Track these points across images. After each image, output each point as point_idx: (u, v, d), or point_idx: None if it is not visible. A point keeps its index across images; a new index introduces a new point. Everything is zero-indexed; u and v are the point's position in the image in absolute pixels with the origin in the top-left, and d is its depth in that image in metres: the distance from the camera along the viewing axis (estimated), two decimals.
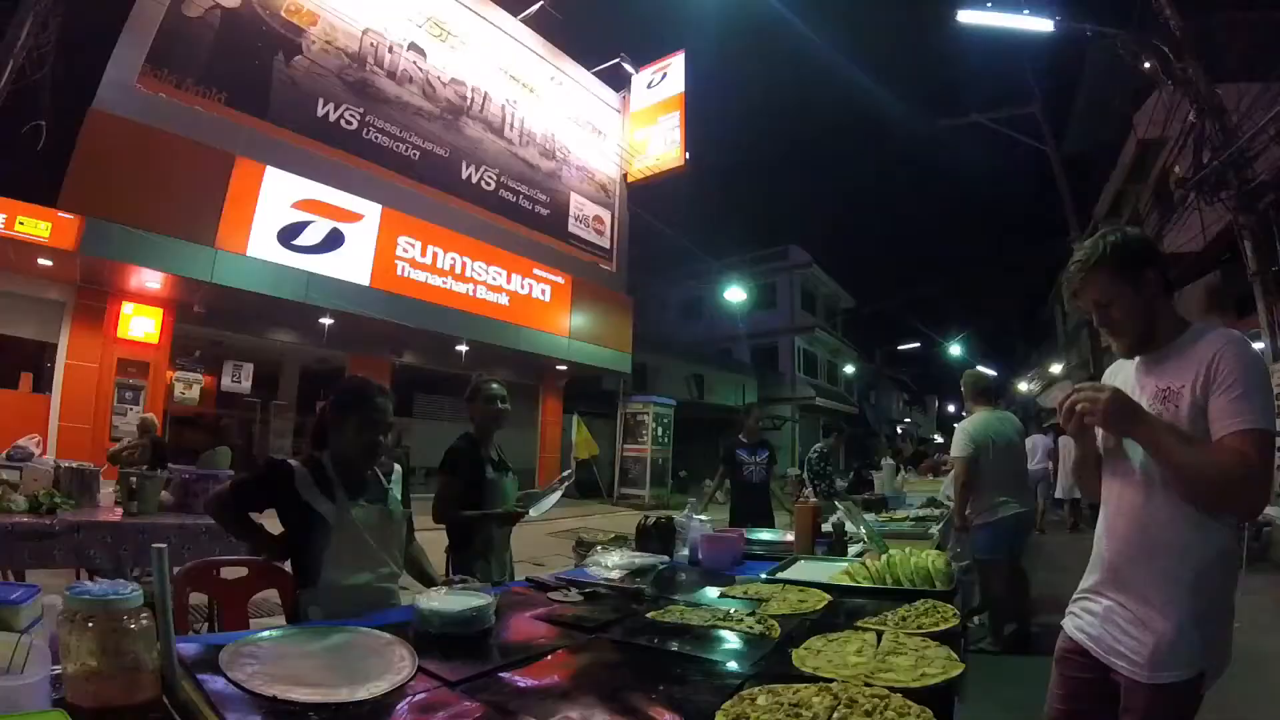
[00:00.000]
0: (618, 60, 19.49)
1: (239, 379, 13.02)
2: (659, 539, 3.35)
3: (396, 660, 1.54)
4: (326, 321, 12.58)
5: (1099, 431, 1.91)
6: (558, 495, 3.69)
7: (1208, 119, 10.07)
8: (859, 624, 1.96)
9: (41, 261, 9.44)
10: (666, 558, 3.15)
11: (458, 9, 15.50)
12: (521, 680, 1.51)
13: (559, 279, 16.50)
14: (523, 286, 15.59)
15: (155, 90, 10.42)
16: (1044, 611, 5.41)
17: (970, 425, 5.41)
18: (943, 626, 1.90)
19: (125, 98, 10.01)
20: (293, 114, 12.24)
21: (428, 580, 2.72)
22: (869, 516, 5.08)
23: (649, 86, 19.72)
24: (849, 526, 3.57)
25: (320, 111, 12.69)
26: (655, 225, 21.47)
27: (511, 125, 16.59)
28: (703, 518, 3.46)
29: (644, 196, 20.61)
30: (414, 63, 14.47)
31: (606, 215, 19.15)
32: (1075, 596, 1.97)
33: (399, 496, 2.65)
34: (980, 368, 6.06)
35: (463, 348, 14.96)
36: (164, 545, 1.24)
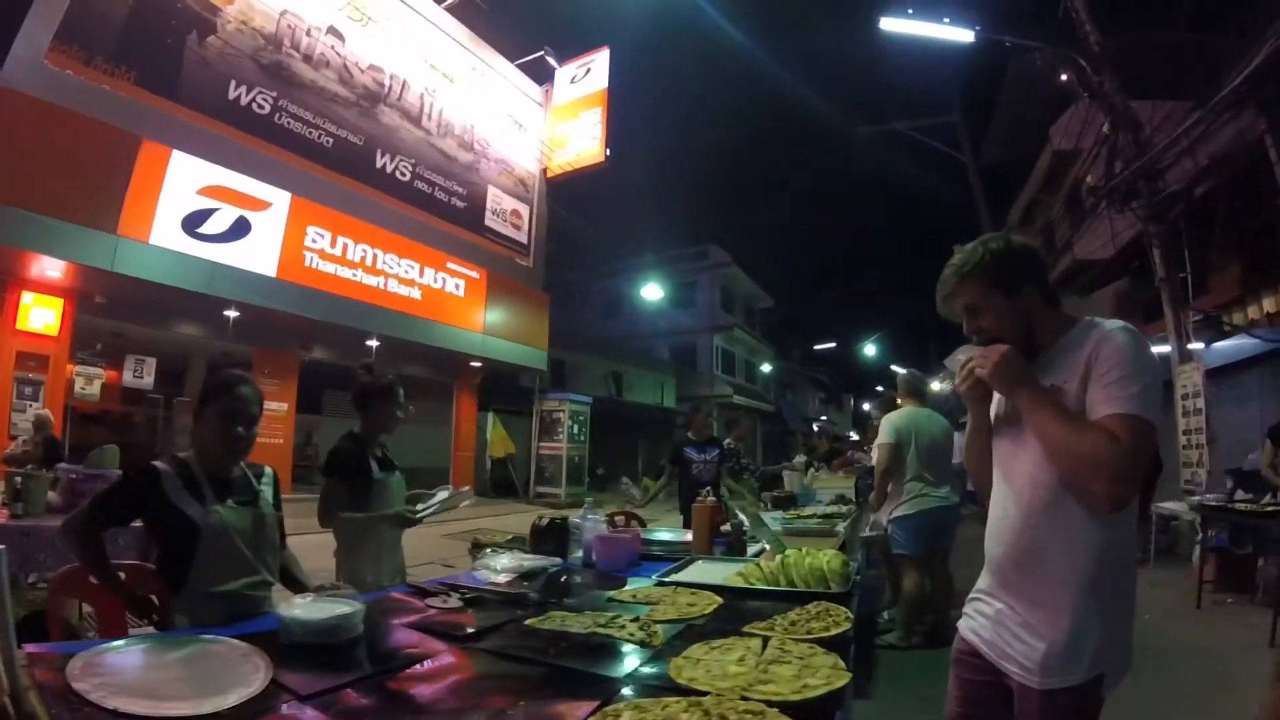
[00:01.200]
0: (541, 54, 19.70)
1: (141, 374, 12.73)
2: (554, 540, 3.31)
3: (250, 672, 1.49)
4: (232, 314, 12.40)
5: (994, 405, 1.91)
6: (446, 495, 3.53)
7: (1121, 131, 10.73)
8: (746, 629, 1.93)
9: None
10: (560, 559, 3.09)
11: None
12: (377, 694, 1.49)
13: (474, 273, 16.57)
14: (436, 280, 15.63)
15: (64, 67, 10.05)
16: (955, 606, 5.67)
17: (896, 416, 5.66)
18: (833, 631, 1.88)
19: (32, 74, 9.64)
20: (203, 96, 11.94)
21: (300, 587, 2.57)
22: (774, 515, 5.30)
23: (572, 81, 19.94)
24: (747, 526, 3.66)
25: (232, 94, 12.42)
26: (576, 222, 21.77)
27: (430, 115, 16.53)
28: (597, 517, 3.41)
29: (565, 193, 20.89)
30: (332, 47, 14.26)
31: (525, 210, 19.29)
32: (970, 596, 1.94)
33: (270, 499, 2.60)
34: (908, 369, 6.40)
35: (374, 343, 14.83)
36: (3, 547, 1.24)
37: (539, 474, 19.62)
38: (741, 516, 3.68)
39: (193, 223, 11.24)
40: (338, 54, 14.42)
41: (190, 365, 15.15)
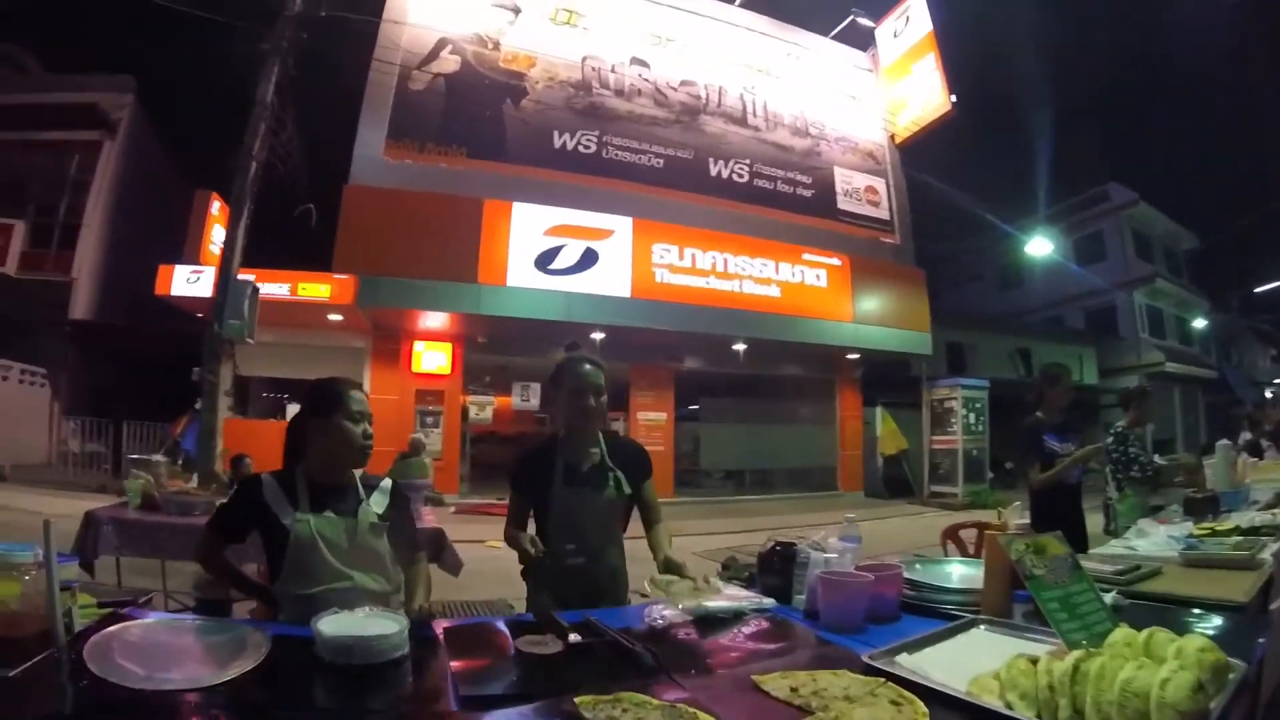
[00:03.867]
0: (851, 18, 17.99)
1: (527, 398, 13.81)
2: (779, 573, 2.28)
3: (224, 663, 1.45)
4: (597, 336, 12.86)
5: None
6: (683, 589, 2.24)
7: None
8: None
9: (332, 317, 11.32)
10: (772, 602, 2.14)
11: (670, 13, 15.48)
12: None
13: (834, 261, 15.24)
14: (794, 274, 14.67)
15: (400, 158, 11.97)
16: None
17: None
18: None
19: (375, 169, 11.62)
20: (530, 151, 13.05)
21: (408, 608, 2.29)
22: (1176, 529, 3.34)
23: (895, 36, 17.86)
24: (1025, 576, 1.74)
25: (557, 143, 13.37)
26: (948, 189, 19.45)
27: (754, 112, 15.96)
28: (843, 543, 2.18)
29: (928, 158, 18.70)
30: (639, 75, 14.63)
31: (879, 184, 17.47)
32: None
33: (379, 511, 2.39)
34: None
35: (740, 346, 14.44)
36: (50, 519, 1.41)
37: (933, 471, 16.99)
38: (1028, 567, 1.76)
39: (544, 260, 12.17)
40: (646, 80, 14.69)
41: None
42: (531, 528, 2.73)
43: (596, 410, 2.66)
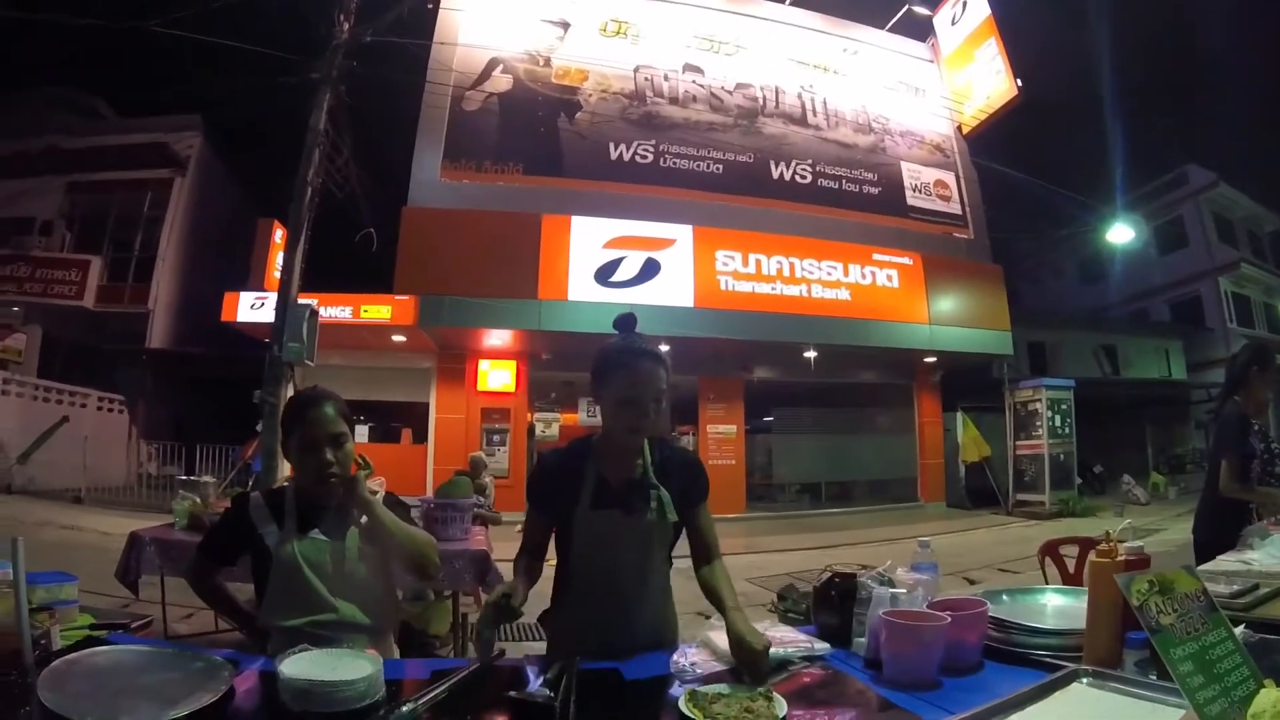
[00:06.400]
0: (906, 7, 17.27)
1: (594, 413, 13.54)
2: (838, 610, 1.89)
3: (175, 700, 1.31)
4: (662, 349, 12.61)
5: None
6: None
7: None
8: None
9: (396, 338, 11.50)
10: (826, 647, 1.80)
11: (721, 17, 15.22)
12: None
13: (906, 260, 14.58)
14: (864, 276, 14.07)
15: (457, 179, 12.09)
16: None
17: None
18: None
19: (433, 191, 11.77)
20: (588, 164, 12.94)
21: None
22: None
23: (953, 23, 17.16)
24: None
25: (613, 155, 13.22)
26: (1023, 182, 18.57)
27: (814, 111, 15.48)
28: (914, 574, 1.88)
29: (1000, 150, 17.93)
30: (693, 81, 14.40)
31: (949, 177, 16.71)
32: None
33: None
34: None
35: (811, 353, 13.90)
36: (20, 538, 1.37)
37: (1017, 478, 15.90)
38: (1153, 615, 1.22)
39: (604, 274, 11.98)
40: (701, 85, 14.45)
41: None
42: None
43: (655, 423, 1.95)
